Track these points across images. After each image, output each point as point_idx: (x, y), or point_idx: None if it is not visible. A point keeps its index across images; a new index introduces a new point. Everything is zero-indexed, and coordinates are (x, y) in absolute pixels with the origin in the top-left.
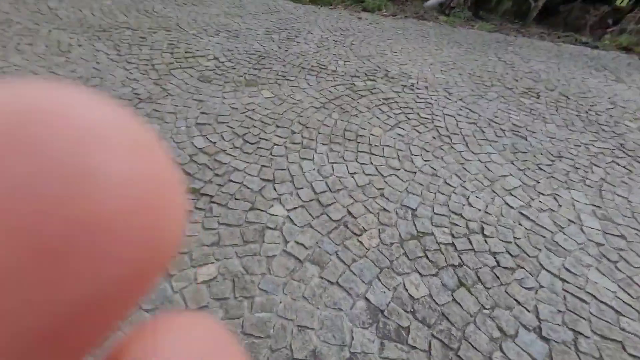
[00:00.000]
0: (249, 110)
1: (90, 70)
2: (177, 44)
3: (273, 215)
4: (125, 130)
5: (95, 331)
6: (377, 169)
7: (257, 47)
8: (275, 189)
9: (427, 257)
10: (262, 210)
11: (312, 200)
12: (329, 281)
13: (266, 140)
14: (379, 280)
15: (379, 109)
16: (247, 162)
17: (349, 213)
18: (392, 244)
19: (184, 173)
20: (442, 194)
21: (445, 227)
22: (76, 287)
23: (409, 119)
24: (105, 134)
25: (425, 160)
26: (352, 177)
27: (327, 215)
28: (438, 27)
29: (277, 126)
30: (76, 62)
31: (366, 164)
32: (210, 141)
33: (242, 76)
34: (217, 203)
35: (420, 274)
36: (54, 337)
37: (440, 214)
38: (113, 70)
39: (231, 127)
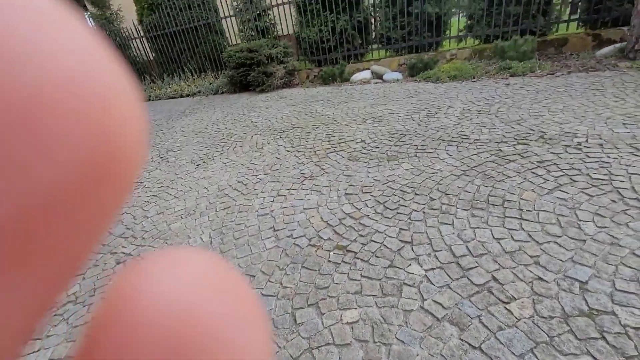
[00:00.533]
0: (389, 181)
1: (274, 159)
2: (333, 134)
3: (411, 273)
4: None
5: (67, 236)
6: (529, 235)
7: (399, 127)
8: (413, 250)
9: (606, 341)
10: (400, 268)
11: (450, 262)
12: (470, 344)
13: (405, 206)
14: (535, 355)
15: (532, 172)
16: (387, 226)
17: (494, 279)
18: (551, 317)
19: (335, 233)
20: (629, 267)
21: (636, 308)
22: (32, 174)
23: (573, 181)
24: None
25: (599, 227)
26: (498, 242)
27: (468, 278)
28: (618, 76)
29: (416, 194)
30: (266, 155)
31: (515, 230)
32: (356, 208)
33: (384, 153)
34: (360, 259)
35: (595, 358)
36: (18, 233)
37: (625, 291)
38: (288, 158)
39: (374, 196)
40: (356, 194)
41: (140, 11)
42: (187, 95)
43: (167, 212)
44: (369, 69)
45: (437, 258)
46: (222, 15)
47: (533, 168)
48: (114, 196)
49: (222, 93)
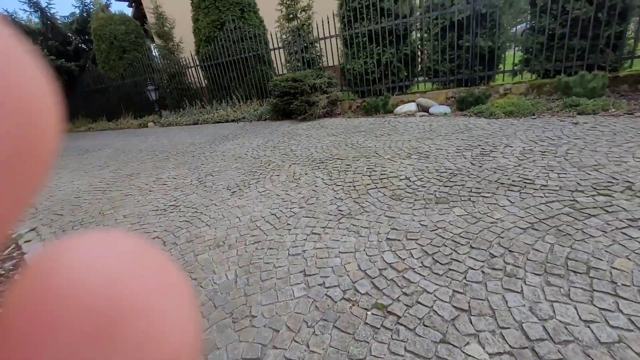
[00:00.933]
0: (439, 228)
1: (310, 192)
2: (374, 168)
3: (470, 356)
4: None
5: None
6: (632, 320)
7: (448, 165)
8: (471, 323)
9: None
10: (455, 347)
11: (524, 347)
12: None
13: (459, 262)
14: None
15: (623, 233)
16: (437, 285)
17: None
18: None
19: (374, 287)
20: None
21: None
22: None
23: None
24: None
25: None
26: (588, 326)
27: None
28: None
29: (472, 247)
30: (302, 186)
31: (610, 311)
32: (400, 257)
33: (432, 194)
34: (404, 325)
35: None
36: None
37: None
38: (325, 191)
39: (420, 245)
40: (399, 240)
41: (197, 43)
42: (232, 121)
43: (197, 241)
44: (414, 101)
45: (504, 338)
46: (271, 47)
47: (623, 227)
48: (31, 171)
49: (265, 120)
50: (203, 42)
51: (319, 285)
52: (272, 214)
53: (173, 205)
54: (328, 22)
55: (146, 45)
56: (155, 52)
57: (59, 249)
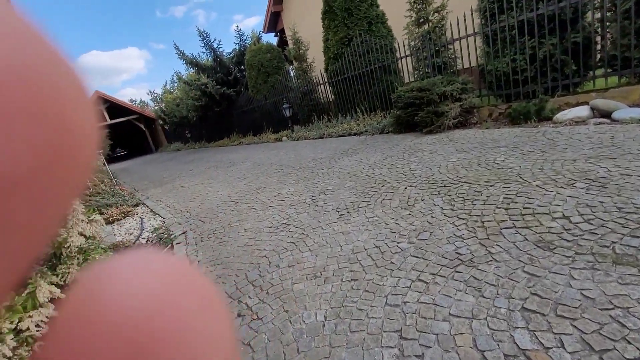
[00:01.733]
0: (617, 306)
1: (424, 223)
2: (515, 198)
3: None
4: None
5: (29, 214)
6: None
7: None
8: None
9: None
10: None
11: None
12: None
13: None
14: None
15: None
16: None
17: None
18: None
19: None
20: None
21: None
22: None
23: None
24: None
25: None
26: None
27: None
28: None
29: None
30: (415, 215)
31: None
32: (541, 343)
33: (608, 247)
34: None
35: None
36: None
37: None
38: (443, 225)
39: (580, 330)
40: (543, 315)
41: (327, 61)
42: (355, 134)
43: (297, 267)
44: (587, 103)
45: None
46: (398, 55)
47: None
48: (70, 178)
49: (387, 132)
50: (331, 59)
51: (416, 357)
52: (376, 247)
53: (285, 223)
54: (465, 20)
55: (285, 69)
56: (291, 74)
57: (101, 271)
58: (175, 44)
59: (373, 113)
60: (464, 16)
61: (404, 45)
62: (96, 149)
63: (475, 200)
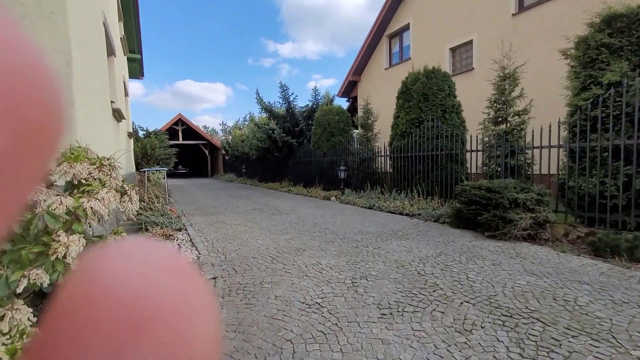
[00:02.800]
0: None
1: None
2: None
3: None
4: None
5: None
6: None
7: None
8: None
9: None
10: None
11: None
12: None
13: None
14: None
15: None
16: None
17: None
18: None
19: None
20: None
21: None
22: None
23: None
24: None
25: None
26: None
27: None
28: None
29: None
30: (473, 348)
31: None
32: None
33: None
34: None
35: None
36: None
37: None
38: None
39: None
40: None
41: (393, 136)
42: (407, 215)
43: None
44: None
45: None
46: (468, 148)
47: None
48: (41, 154)
49: (444, 223)
50: (398, 135)
51: None
52: None
53: (319, 304)
54: (550, 130)
55: (350, 133)
56: (355, 138)
57: (101, 253)
58: (257, 90)
59: (430, 197)
60: (549, 126)
61: (476, 139)
62: (56, 148)
63: (553, 352)
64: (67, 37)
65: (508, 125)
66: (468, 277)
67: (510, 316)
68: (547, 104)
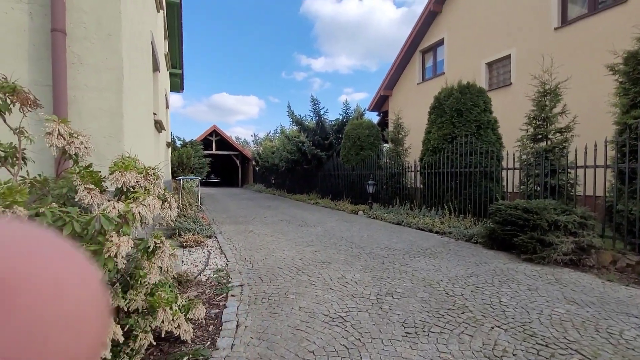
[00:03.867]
0: None
1: None
2: None
3: None
4: None
5: None
6: None
7: None
8: None
9: None
10: None
11: None
12: None
13: None
14: None
15: None
16: None
17: None
18: None
19: None
20: None
21: None
22: None
23: None
24: None
25: None
26: None
27: None
28: None
29: None
30: None
31: None
32: None
33: None
34: None
35: None
36: None
37: None
38: None
39: None
40: None
41: (424, 152)
42: (437, 232)
43: None
44: None
45: None
46: (505, 165)
47: None
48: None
49: (476, 243)
50: (430, 151)
51: None
52: None
53: (342, 318)
54: (595, 149)
55: (380, 147)
56: (384, 153)
57: None
58: (289, 104)
59: (462, 215)
60: (595, 145)
61: (513, 157)
62: (100, 347)
63: None
64: (120, 56)
65: (549, 142)
66: (500, 301)
67: (546, 345)
68: (593, 122)
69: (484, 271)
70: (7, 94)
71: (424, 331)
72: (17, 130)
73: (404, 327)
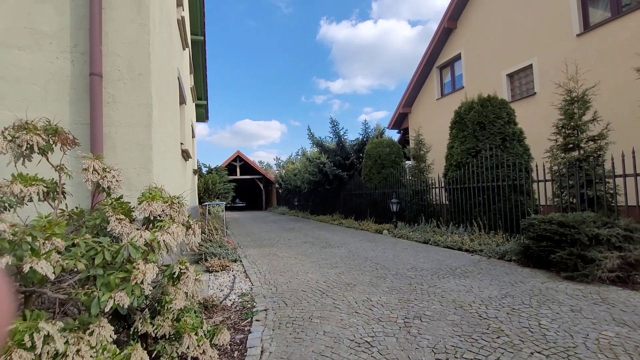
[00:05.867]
0: None
1: None
2: None
3: None
4: None
5: None
6: None
7: None
8: None
9: None
10: None
11: None
12: None
13: None
14: None
15: None
16: None
17: None
18: None
19: None
20: None
21: None
22: None
23: None
24: None
25: None
26: None
27: None
28: None
29: None
30: None
31: None
32: None
33: None
34: None
35: None
36: None
37: None
38: None
39: None
40: None
41: (447, 167)
42: (466, 250)
43: None
44: None
45: None
46: (535, 177)
47: None
48: None
49: (510, 261)
50: (453, 166)
51: None
52: None
53: (368, 343)
54: (633, 155)
55: (401, 165)
56: (407, 170)
57: None
58: (309, 126)
59: (493, 232)
60: (633, 152)
61: (543, 168)
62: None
63: None
64: (149, 93)
65: (581, 152)
66: (540, 324)
67: None
68: (630, 128)
69: (520, 291)
70: (49, 136)
71: (455, 357)
72: (58, 167)
73: (434, 353)
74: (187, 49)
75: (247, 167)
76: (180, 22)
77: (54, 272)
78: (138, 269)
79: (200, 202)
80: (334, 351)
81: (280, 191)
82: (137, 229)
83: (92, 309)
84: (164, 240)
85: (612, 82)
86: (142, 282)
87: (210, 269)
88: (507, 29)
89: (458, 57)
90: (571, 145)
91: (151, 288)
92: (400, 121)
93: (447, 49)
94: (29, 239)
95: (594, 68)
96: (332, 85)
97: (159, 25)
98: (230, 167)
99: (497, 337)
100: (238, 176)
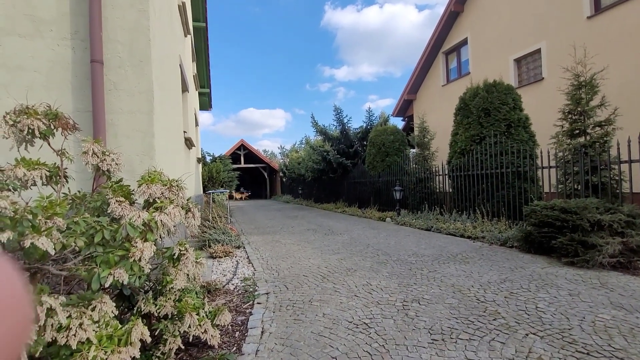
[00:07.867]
0: None
1: None
2: None
3: None
4: None
5: None
6: None
7: None
8: None
9: None
10: None
11: None
12: None
13: None
14: None
15: None
16: None
17: None
18: None
19: None
20: None
21: None
22: None
23: None
24: None
25: None
26: None
27: None
28: None
29: None
30: None
31: None
32: None
33: None
34: None
35: None
36: None
37: None
38: None
39: None
40: None
41: (451, 154)
42: (469, 237)
43: None
44: None
45: None
46: (540, 164)
47: None
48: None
49: (511, 247)
50: (457, 153)
51: None
52: None
53: (366, 324)
54: None
55: (405, 152)
56: (411, 158)
57: None
58: (312, 114)
59: (496, 219)
60: (639, 137)
61: (548, 155)
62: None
63: None
64: (150, 80)
65: (587, 138)
66: (537, 307)
67: (587, 353)
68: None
69: (519, 276)
70: (50, 121)
71: (451, 338)
72: (60, 152)
73: (430, 334)
74: (189, 36)
75: (251, 156)
76: (182, 8)
77: (54, 249)
78: (136, 247)
79: (204, 191)
80: (333, 332)
81: (284, 180)
82: (136, 210)
83: (92, 285)
84: (161, 220)
85: (624, 65)
86: (140, 260)
87: (214, 255)
88: (515, 12)
89: (464, 42)
90: (577, 131)
91: (150, 267)
92: (405, 108)
93: (454, 33)
94: (30, 216)
95: (604, 52)
96: (337, 72)
97: (159, 10)
98: (234, 156)
99: (494, 320)
100: (242, 165)
